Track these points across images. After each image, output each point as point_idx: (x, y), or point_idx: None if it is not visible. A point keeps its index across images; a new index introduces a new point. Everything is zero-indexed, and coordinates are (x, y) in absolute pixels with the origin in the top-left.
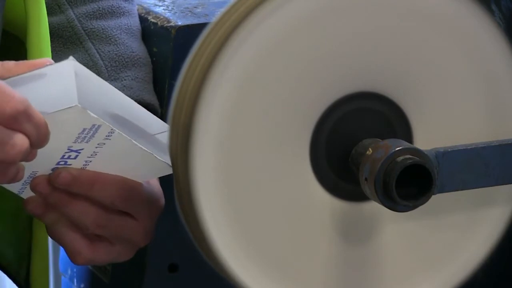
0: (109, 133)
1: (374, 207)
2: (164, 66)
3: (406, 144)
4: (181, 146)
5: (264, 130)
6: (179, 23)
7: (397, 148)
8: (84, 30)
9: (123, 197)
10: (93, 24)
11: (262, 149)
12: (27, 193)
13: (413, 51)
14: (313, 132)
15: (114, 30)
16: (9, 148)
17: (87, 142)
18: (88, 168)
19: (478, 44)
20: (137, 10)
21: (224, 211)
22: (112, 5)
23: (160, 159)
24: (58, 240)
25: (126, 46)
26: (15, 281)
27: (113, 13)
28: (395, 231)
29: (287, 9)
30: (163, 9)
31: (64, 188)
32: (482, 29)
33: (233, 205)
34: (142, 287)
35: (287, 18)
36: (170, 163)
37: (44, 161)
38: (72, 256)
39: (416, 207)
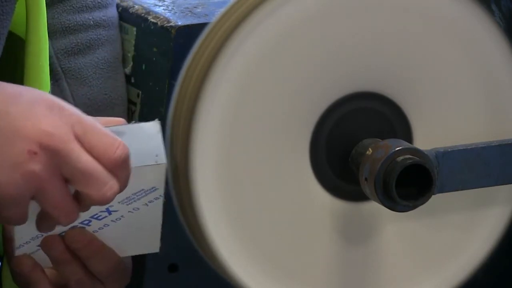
0: (154, 198)
1: (374, 207)
2: (164, 66)
3: (406, 144)
4: (181, 146)
5: (264, 130)
6: (179, 23)
7: (397, 148)
8: (61, 68)
9: (110, 273)
10: (70, 62)
11: (262, 150)
12: (24, 250)
13: (413, 51)
14: (313, 132)
15: (90, 70)
16: (107, 189)
17: (128, 204)
18: (100, 233)
19: (478, 44)
20: (137, 10)
21: (224, 211)
22: (91, 38)
23: (159, 238)
24: None
25: (100, 88)
26: None
27: (90, 46)
28: (395, 231)
29: (287, 9)
30: (163, 9)
31: (73, 249)
32: (482, 29)
33: (233, 205)
34: (142, 287)
35: (287, 18)
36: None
37: None
38: None
39: (416, 207)
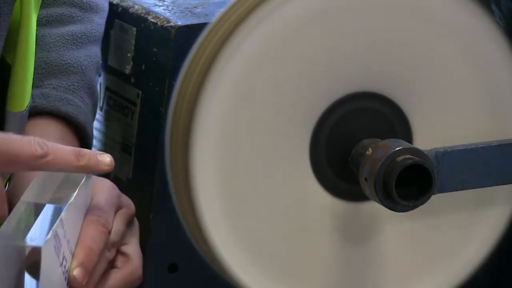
0: (62, 224)
1: (374, 207)
2: (164, 66)
3: (406, 144)
4: (180, 146)
5: (264, 130)
6: (179, 23)
7: (397, 148)
8: None
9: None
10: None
11: (261, 150)
12: None
13: (413, 51)
14: (313, 132)
15: (53, 37)
16: None
17: (61, 247)
18: (70, 241)
19: (478, 44)
20: (137, 10)
21: (224, 211)
22: (62, 13)
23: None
24: None
25: (59, 54)
26: None
27: (61, 21)
28: (395, 231)
29: (287, 9)
30: (163, 9)
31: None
32: (482, 29)
33: (232, 205)
34: (142, 287)
35: (287, 18)
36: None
37: None
38: None
39: (416, 207)
